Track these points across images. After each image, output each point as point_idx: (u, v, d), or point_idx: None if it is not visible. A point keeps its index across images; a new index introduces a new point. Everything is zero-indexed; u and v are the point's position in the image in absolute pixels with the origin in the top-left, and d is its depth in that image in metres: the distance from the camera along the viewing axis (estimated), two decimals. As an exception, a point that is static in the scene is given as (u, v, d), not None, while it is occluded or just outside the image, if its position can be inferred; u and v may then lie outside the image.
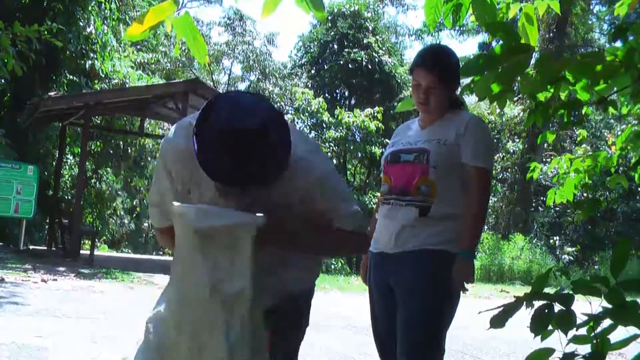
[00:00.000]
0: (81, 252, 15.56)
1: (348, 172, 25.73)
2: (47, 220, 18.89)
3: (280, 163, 2.31)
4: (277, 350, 2.59)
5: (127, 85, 19.27)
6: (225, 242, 2.31)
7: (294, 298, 2.75)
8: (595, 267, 24.85)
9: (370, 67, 29.59)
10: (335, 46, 31.54)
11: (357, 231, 2.65)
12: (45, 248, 17.01)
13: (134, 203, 27.07)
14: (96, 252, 16.28)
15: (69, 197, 20.92)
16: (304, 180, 2.50)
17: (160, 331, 2.38)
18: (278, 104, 34.30)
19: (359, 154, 24.30)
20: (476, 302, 8.46)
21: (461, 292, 3.42)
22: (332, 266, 19.46)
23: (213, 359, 2.31)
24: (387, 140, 21.25)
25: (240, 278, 2.31)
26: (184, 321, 2.33)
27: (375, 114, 22.82)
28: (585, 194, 16.40)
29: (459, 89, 3.67)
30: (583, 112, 4.77)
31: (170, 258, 2.65)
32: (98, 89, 19.27)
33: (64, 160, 20.33)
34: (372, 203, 22.33)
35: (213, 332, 2.31)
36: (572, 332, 2.66)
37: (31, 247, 16.95)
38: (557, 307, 2.55)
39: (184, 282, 2.36)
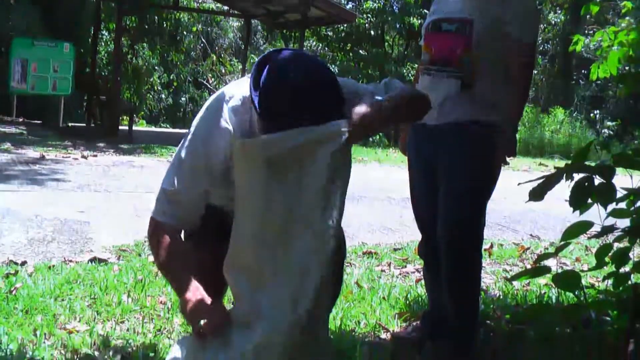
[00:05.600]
0: (120, 128, 15.62)
1: (386, 44, 25.35)
2: (85, 98, 18.95)
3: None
4: None
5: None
6: (296, 166, 2.23)
7: None
8: (636, 142, 24.58)
9: None
10: None
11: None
12: (85, 125, 17.11)
13: (171, 78, 26.99)
14: (135, 128, 16.33)
15: (106, 74, 20.92)
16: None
17: (245, 278, 2.32)
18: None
19: (397, 25, 23.85)
20: (514, 175, 8.38)
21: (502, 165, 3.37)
22: (370, 139, 19.14)
23: (308, 291, 2.26)
24: (425, 11, 20.84)
25: (314, 200, 2.26)
26: (266, 258, 2.28)
27: (414, -16, 22.36)
28: (628, 68, 16.11)
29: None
30: (628, -18, 4.60)
31: None
32: (131, -39, 18.97)
33: (100, 37, 20.22)
34: (410, 75, 22.10)
35: (303, 265, 2.27)
36: (611, 206, 2.63)
37: (70, 124, 17.06)
38: (597, 180, 2.51)
39: (259, 218, 2.27)
